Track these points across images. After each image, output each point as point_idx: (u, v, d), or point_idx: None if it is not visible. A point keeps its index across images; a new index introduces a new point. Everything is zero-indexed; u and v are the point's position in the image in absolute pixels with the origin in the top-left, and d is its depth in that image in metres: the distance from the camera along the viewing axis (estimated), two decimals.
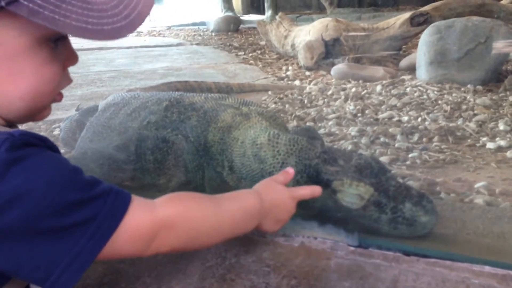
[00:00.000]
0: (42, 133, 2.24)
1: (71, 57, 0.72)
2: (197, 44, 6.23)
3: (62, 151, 1.97)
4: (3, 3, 0.56)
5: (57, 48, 0.67)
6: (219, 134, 1.29)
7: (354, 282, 0.88)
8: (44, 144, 0.64)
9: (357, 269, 0.91)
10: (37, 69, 0.65)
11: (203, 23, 8.86)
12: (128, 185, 1.37)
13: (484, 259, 0.89)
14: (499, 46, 2.84)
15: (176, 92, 1.67)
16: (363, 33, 3.97)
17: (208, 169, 1.29)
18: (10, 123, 0.69)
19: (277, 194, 0.90)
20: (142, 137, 1.37)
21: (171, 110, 1.42)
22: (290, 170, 0.97)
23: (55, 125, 2.43)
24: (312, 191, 0.95)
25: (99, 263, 0.88)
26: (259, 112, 1.36)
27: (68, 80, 0.74)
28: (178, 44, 6.20)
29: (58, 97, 0.74)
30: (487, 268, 0.87)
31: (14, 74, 0.64)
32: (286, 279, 0.89)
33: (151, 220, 0.67)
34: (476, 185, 1.54)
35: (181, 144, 1.32)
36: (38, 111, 0.71)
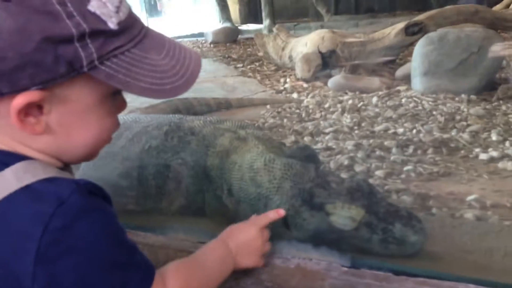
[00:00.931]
0: None
1: (122, 104, 0.78)
2: None
3: None
4: (85, 69, 0.63)
5: (115, 99, 0.75)
6: (218, 158, 1.35)
7: None
8: (101, 193, 0.71)
9: None
10: (101, 121, 0.73)
11: (201, 34, 8.94)
12: (132, 209, 1.43)
13: (468, 277, 0.94)
14: (497, 49, 2.90)
15: (176, 115, 1.73)
16: (359, 44, 4.03)
17: (207, 193, 1.35)
18: (64, 164, 0.76)
19: (241, 231, 0.96)
20: (144, 162, 1.43)
21: (171, 135, 1.47)
22: (281, 212, 1.03)
23: None
24: (275, 213, 1.02)
25: None
26: (256, 135, 1.42)
27: (118, 125, 0.80)
28: None
29: (111, 137, 0.80)
30: (471, 286, 0.91)
31: (82, 126, 0.71)
32: None
33: None
34: (468, 198, 1.59)
35: (182, 169, 1.38)
36: (94, 154, 0.78)
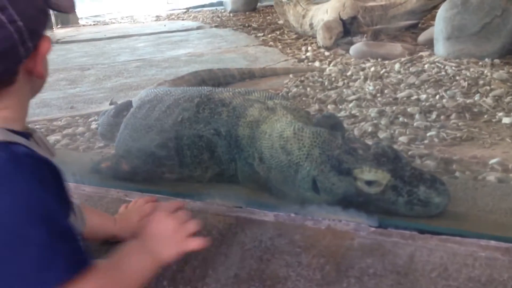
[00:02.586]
0: (81, 128, 2.40)
1: None
2: (216, 26, 6.29)
3: (101, 144, 2.14)
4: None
5: None
6: (248, 128, 1.42)
7: (376, 259, 1.00)
8: (48, 168, 0.71)
9: (378, 247, 1.03)
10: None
11: (220, 3, 8.88)
12: (169, 177, 1.52)
13: (490, 234, 1.00)
14: None
15: (205, 87, 1.80)
16: (380, 9, 4.00)
17: (240, 161, 1.43)
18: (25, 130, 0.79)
19: (150, 223, 0.92)
20: (178, 133, 1.51)
21: (203, 107, 1.55)
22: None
23: (91, 119, 2.57)
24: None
25: None
26: (283, 105, 1.49)
27: None
28: (198, 28, 6.27)
29: None
30: (492, 242, 0.98)
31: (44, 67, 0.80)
32: (316, 258, 1.02)
33: None
34: (491, 162, 1.63)
35: (214, 138, 1.46)
36: None
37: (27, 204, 0.65)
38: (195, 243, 0.91)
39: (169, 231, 0.90)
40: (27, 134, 0.77)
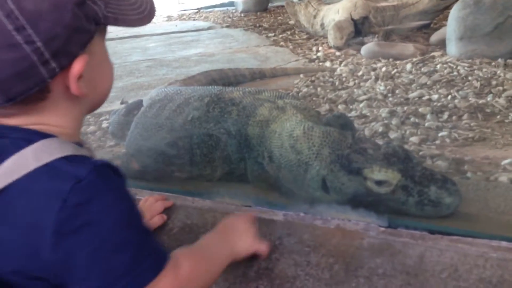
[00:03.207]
0: (92, 126, 2.42)
1: None
2: (227, 26, 6.30)
3: (111, 143, 2.15)
4: (102, 20, 0.72)
5: None
6: (258, 127, 1.42)
7: (385, 259, 0.99)
8: (115, 173, 0.75)
9: (387, 247, 1.02)
10: (110, 64, 0.81)
11: (231, 3, 8.89)
12: (179, 176, 1.52)
13: (501, 235, 0.99)
14: None
15: (215, 86, 1.80)
16: (392, 9, 3.98)
17: (249, 160, 1.43)
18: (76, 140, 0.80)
19: (230, 220, 1.03)
20: (188, 132, 1.51)
21: (213, 106, 1.55)
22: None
23: (102, 118, 2.58)
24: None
25: None
26: (294, 104, 1.48)
27: None
28: (209, 28, 6.28)
29: None
30: (504, 243, 0.97)
31: (103, 74, 0.80)
32: (325, 257, 1.02)
33: (177, 281, 0.76)
34: (503, 162, 1.62)
35: (224, 137, 1.46)
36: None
37: (118, 211, 0.71)
38: (265, 246, 1.01)
39: (245, 226, 1.00)
40: (80, 144, 0.80)
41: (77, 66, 0.70)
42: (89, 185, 0.68)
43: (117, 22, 0.74)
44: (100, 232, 0.69)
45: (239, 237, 0.97)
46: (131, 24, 0.77)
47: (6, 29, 0.64)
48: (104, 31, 0.76)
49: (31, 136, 0.72)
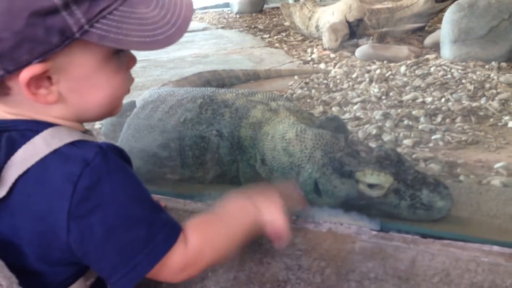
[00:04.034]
0: (86, 127, 2.40)
1: (131, 60, 0.83)
2: (222, 27, 6.30)
3: None
4: (77, 35, 0.68)
5: (120, 57, 0.78)
6: (251, 129, 1.42)
7: (377, 263, 0.99)
8: (121, 155, 0.78)
9: (379, 251, 1.02)
10: (110, 80, 0.77)
11: (227, 5, 8.89)
12: (171, 178, 1.51)
13: (493, 240, 0.99)
14: None
15: (209, 88, 1.79)
16: (387, 12, 3.99)
17: (241, 162, 1.42)
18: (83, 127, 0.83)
19: (261, 188, 0.96)
20: (180, 134, 1.50)
21: (206, 107, 1.54)
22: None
23: None
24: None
25: None
26: (287, 106, 1.48)
27: (132, 80, 0.85)
28: (204, 29, 6.27)
29: (127, 92, 0.86)
30: (495, 248, 0.97)
31: (92, 87, 0.76)
32: (316, 261, 1.01)
33: (186, 257, 0.78)
34: (496, 166, 1.62)
35: (216, 139, 1.45)
36: (112, 110, 0.83)
37: (128, 189, 0.74)
38: (288, 231, 0.92)
39: (276, 198, 0.93)
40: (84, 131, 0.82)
41: (24, 74, 0.68)
42: (97, 167, 0.71)
43: (103, 40, 0.68)
44: (112, 212, 0.71)
45: (267, 206, 0.91)
46: (128, 46, 0.72)
47: None
48: (102, 45, 0.70)
49: (38, 126, 0.74)
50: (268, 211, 0.90)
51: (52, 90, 0.73)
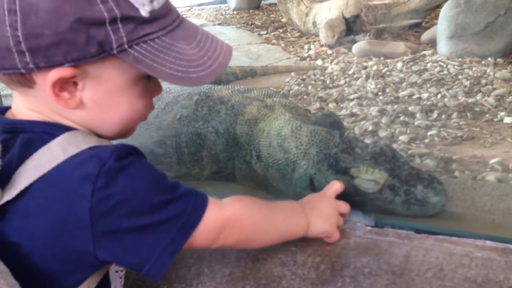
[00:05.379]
0: None
1: (157, 88, 0.83)
2: (219, 24, 6.29)
3: None
4: (115, 51, 0.69)
5: (147, 83, 0.79)
6: (247, 126, 1.42)
7: (371, 258, 0.99)
8: (136, 152, 0.78)
9: (373, 246, 1.03)
10: (132, 102, 0.78)
11: (224, 1, 8.87)
12: (167, 174, 1.51)
13: (487, 235, 0.99)
14: None
15: (204, 85, 1.79)
16: (383, 8, 3.99)
17: (237, 158, 1.43)
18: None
19: (315, 197, 1.05)
20: (176, 131, 1.51)
21: (201, 104, 1.54)
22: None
23: None
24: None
25: None
26: (282, 103, 1.48)
27: (152, 108, 0.85)
28: (201, 25, 6.24)
29: (144, 118, 0.86)
30: (488, 243, 0.98)
31: (114, 105, 0.77)
32: (311, 257, 1.02)
33: (221, 217, 0.82)
34: (491, 161, 1.63)
35: (212, 136, 1.46)
36: (126, 132, 0.84)
37: (145, 180, 0.74)
38: (336, 238, 1.04)
39: (329, 211, 1.02)
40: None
41: (53, 73, 0.68)
42: (114, 165, 0.71)
43: (137, 63, 0.69)
44: (137, 203, 0.72)
45: (318, 217, 1.00)
46: (160, 75, 0.71)
47: (2, 7, 0.65)
48: (135, 67, 0.70)
49: (54, 129, 0.74)
50: (318, 225, 1.00)
51: (75, 95, 0.73)
